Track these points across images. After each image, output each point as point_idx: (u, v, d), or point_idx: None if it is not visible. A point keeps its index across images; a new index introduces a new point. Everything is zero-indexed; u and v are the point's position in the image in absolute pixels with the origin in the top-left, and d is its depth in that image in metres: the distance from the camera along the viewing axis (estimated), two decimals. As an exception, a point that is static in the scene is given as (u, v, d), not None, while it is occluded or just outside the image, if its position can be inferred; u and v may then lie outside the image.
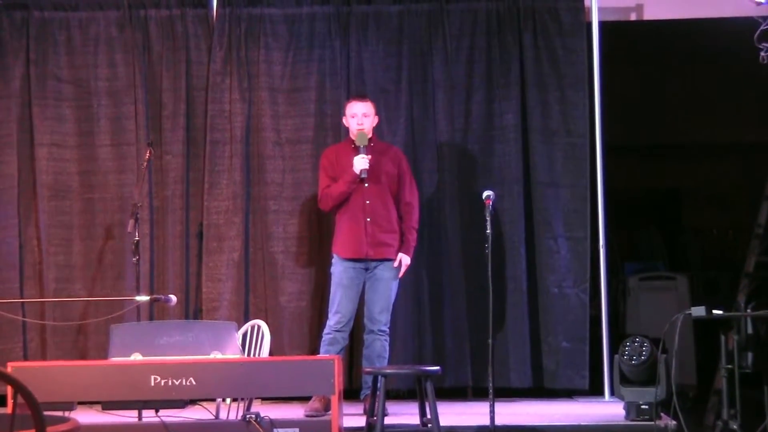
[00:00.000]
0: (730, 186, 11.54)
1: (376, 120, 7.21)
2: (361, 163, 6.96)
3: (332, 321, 7.02)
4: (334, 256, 7.13)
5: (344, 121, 7.22)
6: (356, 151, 7.02)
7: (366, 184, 7.03)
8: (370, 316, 7.05)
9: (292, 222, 7.80)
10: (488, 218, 6.29)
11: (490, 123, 7.89)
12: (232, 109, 7.86)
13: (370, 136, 7.13)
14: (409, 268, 7.25)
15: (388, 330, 7.07)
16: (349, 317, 7.02)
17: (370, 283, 7.06)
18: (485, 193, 6.41)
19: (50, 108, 7.85)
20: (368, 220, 7.01)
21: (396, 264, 7.06)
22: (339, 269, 7.07)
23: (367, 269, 7.06)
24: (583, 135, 7.82)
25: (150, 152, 7.32)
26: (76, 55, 7.90)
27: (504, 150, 7.85)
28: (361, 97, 7.25)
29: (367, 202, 7.03)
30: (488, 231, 6.27)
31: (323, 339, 7.03)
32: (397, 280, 7.12)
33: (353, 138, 7.09)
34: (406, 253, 7.09)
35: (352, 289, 7.03)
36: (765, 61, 7.34)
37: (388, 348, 7.06)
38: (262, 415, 5.78)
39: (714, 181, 11.67)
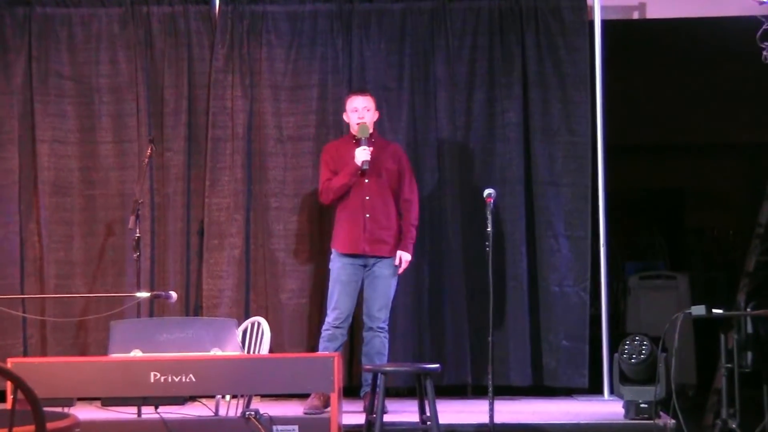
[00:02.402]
0: (731, 186, 11.54)
1: (376, 115, 7.21)
2: (362, 154, 6.95)
3: (331, 317, 7.02)
4: (333, 251, 7.13)
5: (344, 116, 7.22)
6: (357, 145, 7.00)
7: (366, 180, 7.02)
8: (369, 313, 7.05)
9: (293, 219, 7.80)
10: (489, 216, 6.29)
11: (492, 121, 7.89)
12: (233, 106, 7.86)
13: (371, 130, 7.13)
14: (411, 265, 7.26)
15: (387, 327, 7.07)
16: (348, 313, 7.02)
17: (369, 281, 7.06)
18: (486, 192, 6.40)
19: (52, 104, 7.85)
20: (367, 216, 7.01)
21: (397, 261, 7.06)
22: (337, 265, 7.08)
23: (365, 266, 7.06)
24: (584, 134, 7.82)
25: (151, 149, 7.33)
26: (77, 52, 7.90)
27: (505, 148, 7.85)
28: (362, 91, 7.25)
29: (367, 198, 7.03)
30: (489, 229, 6.27)
31: (322, 335, 7.03)
32: (396, 278, 7.12)
33: (354, 133, 7.08)
34: (405, 250, 7.09)
35: (351, 285, 7.03)
36: (767, 60, 7.33)
37: (387, 345, 7.06)
38: (261, 412, 5.78)
39: (715, 181, 11.67)
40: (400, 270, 7.10)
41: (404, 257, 7.08)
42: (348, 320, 7.04)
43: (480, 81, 7.91)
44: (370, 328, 7.04)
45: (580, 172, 7.81)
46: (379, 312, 7.03)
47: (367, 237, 7.00)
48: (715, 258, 11.36)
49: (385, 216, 7.06)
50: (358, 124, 7.04)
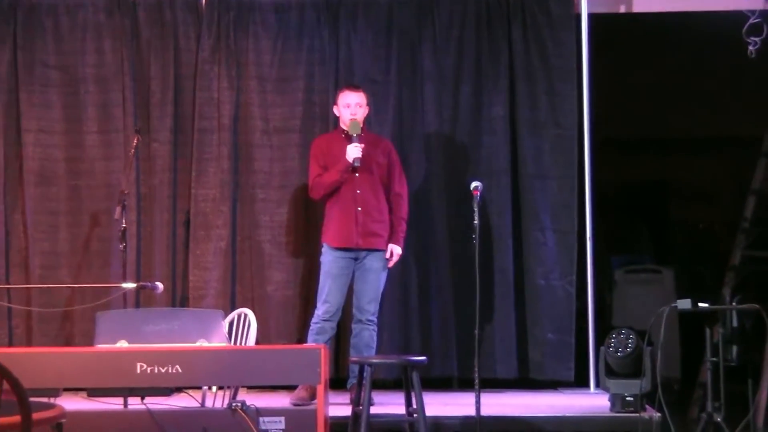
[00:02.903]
0: (717, 180, 11.56)
1: (367, 110, 7.20)
2: (354, 151, 6.94)
3: (320, 310, 7.01)
4: (324, 245, 7.12)
5: (335, 110, 7.21)
6: (347, 140, 7.00)
7: (357, 174, 7.02)
8: (358, 305, 7.06)
9: (279, 211, 7.79)
10: (476, 209, 6.27)
11: (479, 114, 7.90)
12: (220, 97, 7.85)
13: (361, 125, 7.12)
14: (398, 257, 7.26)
15: (376, 320, 7.08)
16: (338, 307, 7.02)
17: (359, 273, 7.06)
18: (473, 184, 6.39)
19: (37, 94, 7.82)
20: (359, 209, 7.01)
21: (388, 254, 7.07)
22: (329, 259, 7.07)
23: (356, 259, 7.06)
24: (571, 127, 7.83)
25: (137, 139, 7.28)
26: (63, 42, 7.87)
27: (492, 141, 7.86)
28: (355, 87, 7.24)
29: (358, 191, 7.02)
30: (476, 222, 6.26)
31: (311, 328, 7.03)
32: (386, 271, 7.13)
33: (344, 127, 7.07)
34: (396, 243, 7.09)
35: (341, 279, 7.03)
36: (753, 55, 7.36)
37: (376, 338, 7.07)
38: (248, 403, 5.78)
39: (701, 175, 11.70)
40: (391, 263, 7.10)
41: (396, 251, 7.09)
42: (338, 314, 7.04)
43: (467, 74, 7.91)
44: (360, 321, 7.05)
45: (567, 165, 7.82)
46: (369, 304, 7.03)
47: (360, 230, 7.00)
48: (701, 252, 11.38)
49: (377, 209, 7.06)
50: (350, 120, 7.03)
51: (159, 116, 7.85)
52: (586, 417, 6.52)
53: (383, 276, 7.11)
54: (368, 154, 7.04)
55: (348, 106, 7.08)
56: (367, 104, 7.21)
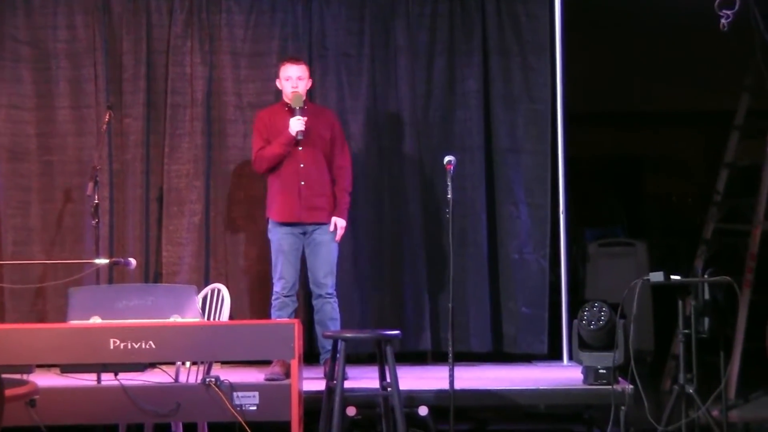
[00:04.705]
0: (690, 153, 11.62)
1: (309, 83, 7.17)
2: (297, 124, 6.90)
3: (278, 287, 7.02)
4: (270, 221, 7.11)
5: (277, 83, 7.16)
6: (290, 113, 6.97)
7: (300, 148, 6.98)
8: (315, 281, 7.05)
9: (253, 186, 7.77)
10: (449, 183, 6.28)
11: (452, 89, 7.89)
12: (193, 72, 7.81)
13: (304, 98, 7.10)
14: (370, 231, 7.25)
15: (335, 292, 7.07)
16: (293, 281, 7.01)
17: (310, 249, 7.05)
18: (446, 158, 6.38)
19: (8, 69, 7.76)
20: (302, 183, 6.98)
21: (331, 228, 7.03)
22: (276, 236, 7.05)
23: (304, 233, 7.05)
24: (544, 101, 7.84)
25: (110, 115, 7.25)
26: (34, 16, 7.80)
27: (465, 116, 7.86)
28: (296, 59, 7.21)
29: (302, 165, 6.99)
30: (449, 196, 6.26)
31: (272, 304, 7.02)
32: (337, 242, 7.10)
33: (287, 100, 7.04)
34: (340, 216, 7.05)
35: (293, 254, 7.02)
36: (725, 29, 7.36)
37: (338, 309, 7.06)
38: (221, 378, 5.78)
39: (674, 149, 11.74)
40: (337, 237, 7.06)
41: (339, 223, 7.04)
42: (295, 287, 7.03)
43: (440, 48, 7.90)
44: (319, 296, 7.04)
45: (540, 139, 7.83)
46: (324, 278, 7.02)
47: (304, 204, 6.98)
48: (674, 225, 11.44)
49: (319, 183, 7.02)
50: (292, 93, 7.00)
51: (131, 91, 7.80)
52: (559, 389, 6.56)
53: (334, 248, 7.08)
54: (311, 126, 7.00)
55: (288, 79, 7.05)
56: (310, 76, 7.17)
